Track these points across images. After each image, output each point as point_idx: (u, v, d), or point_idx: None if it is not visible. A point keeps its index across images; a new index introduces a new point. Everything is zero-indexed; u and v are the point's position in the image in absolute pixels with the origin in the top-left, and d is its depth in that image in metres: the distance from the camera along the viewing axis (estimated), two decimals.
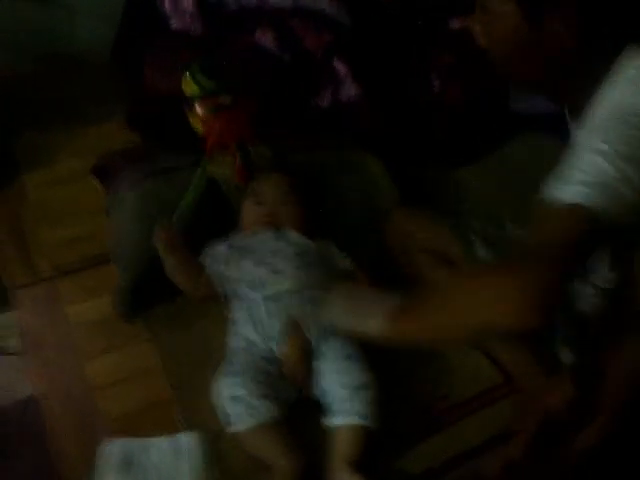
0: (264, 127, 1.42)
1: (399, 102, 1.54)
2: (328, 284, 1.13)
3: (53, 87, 1.71)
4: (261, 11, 1.65)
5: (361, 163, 1.40)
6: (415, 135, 1.50)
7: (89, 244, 1.35)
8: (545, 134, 1.51)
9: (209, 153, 1.28)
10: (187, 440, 1.03)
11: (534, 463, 1.00)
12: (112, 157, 1.45)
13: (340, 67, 1.53)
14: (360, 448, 0.99)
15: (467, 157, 1.54)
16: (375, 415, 1.02)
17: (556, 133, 1.12)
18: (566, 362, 1.08)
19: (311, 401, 1.07)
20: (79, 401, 1.12)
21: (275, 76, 1.59)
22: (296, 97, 1.59)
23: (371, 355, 1.08)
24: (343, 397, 1.02)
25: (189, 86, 1.30)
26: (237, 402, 1.01)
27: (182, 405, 1.09)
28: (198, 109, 1.30)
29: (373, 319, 0.95)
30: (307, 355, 1.08)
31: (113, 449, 1.02)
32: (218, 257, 1.20)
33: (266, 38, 1.61)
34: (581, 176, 0.83)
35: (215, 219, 1.28)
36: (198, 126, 1.32)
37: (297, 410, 1.05)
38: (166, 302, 1.23)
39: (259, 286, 1.12)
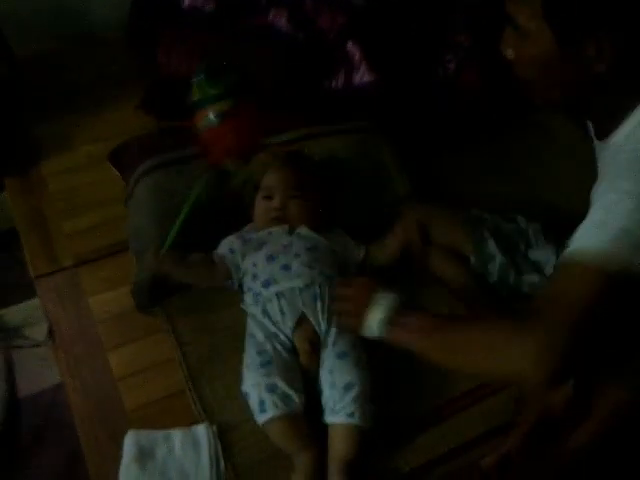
0: (279, 110, 1.42)
1: (413, 86, 1.52)
2: (339, 279, 1.15)
3: (68, 69, 1.70)
4: None
5: (375, 152, 1.40)
6: (428, 119, 1.49)
7: (110, 232, 1.36)
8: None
9: (214, 165, 1.30)
10: (204, 431, 1.06)
11: (528, 459, 1.01)
12: (127, 146, 1.46)
13: (354, 51, 1.51)
14: (352, 447, 1.01)
15: (479, 142, 1.52)
16: (366, 414, 1.03)
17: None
18: None
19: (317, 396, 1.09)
20: (102, 391, 1.15)
21: (289, 56, 1.58)
22: (310, 78, 1.57)
23: (370, 353, 1.10)
24: (334, 396, 1.04)
25: (195, 94, 1.31)
26: (272, 391, 1.03)
27: (200, 396, 1.12)
28: (199, 122, 1.31)
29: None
30: (316, 349, 1.10)
31: (131, 440, 1.06)
32: (234, 249, 1.22)
33: (280, 18, 1.59)
34: (610, 222, 0.80)
35: (226, 215, 1.29)
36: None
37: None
38: (183, 292, 1.24)
39: (272, 282, 1.14)
